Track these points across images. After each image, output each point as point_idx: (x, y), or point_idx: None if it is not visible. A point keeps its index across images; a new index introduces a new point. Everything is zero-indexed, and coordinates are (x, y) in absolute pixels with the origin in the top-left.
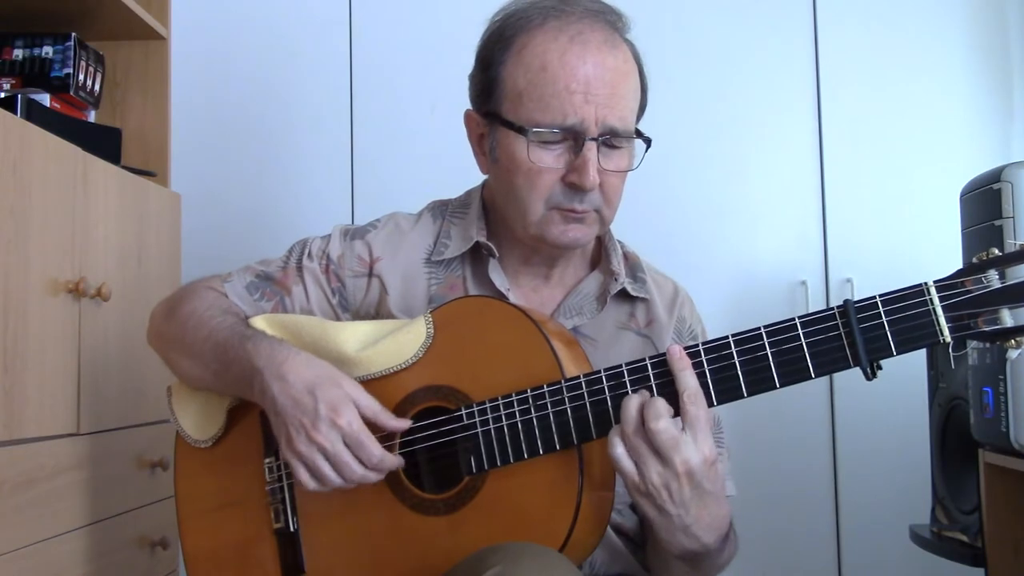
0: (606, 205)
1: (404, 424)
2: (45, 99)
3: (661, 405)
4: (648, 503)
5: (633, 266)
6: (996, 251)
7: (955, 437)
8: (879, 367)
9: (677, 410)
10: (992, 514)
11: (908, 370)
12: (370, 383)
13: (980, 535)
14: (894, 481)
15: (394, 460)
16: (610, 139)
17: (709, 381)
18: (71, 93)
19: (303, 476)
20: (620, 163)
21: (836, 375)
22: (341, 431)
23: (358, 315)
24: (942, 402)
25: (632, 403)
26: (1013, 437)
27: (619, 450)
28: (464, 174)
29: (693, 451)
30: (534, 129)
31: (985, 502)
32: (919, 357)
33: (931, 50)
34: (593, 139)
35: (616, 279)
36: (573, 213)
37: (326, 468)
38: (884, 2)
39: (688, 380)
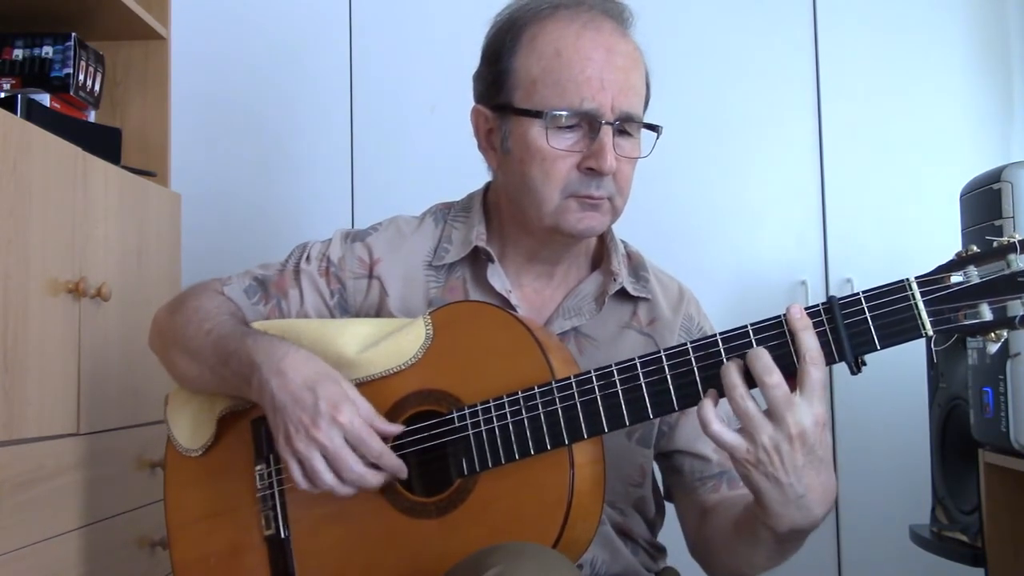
0: (618, 194)
1: (396, 428)
2: (45, 99)
3: (769, 359)
4: (758, 472)
5: (636, 265)
6: (975, 248)
7: (955, 437)
8: (863, 362)
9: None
10: (992, 514)
11: (908, 370)
12: (367, 385)
13: (980, 535)
14: (894, 481)
15: (395, 459)
16: (623, 125)
17: (698, 379)
18: (71, 93)
19: (296, 474)
20: (632, 151)
21: (835, 375)
22: (342, 428)
23: (358, 317)
24: (942, 402)
25: (731, 369)
26: (1013, 437)
27: (715, 426)
28: (464, 174)
29: (806, 412)
30: (552, 113)
31: (985, 502)
32: (919, 357)
33: (931, 50)
34: (609, 123)
35: (615, 279)
36: (590, 199)
37: (321, 467)
38: (884, 2)
39: (809, 341)
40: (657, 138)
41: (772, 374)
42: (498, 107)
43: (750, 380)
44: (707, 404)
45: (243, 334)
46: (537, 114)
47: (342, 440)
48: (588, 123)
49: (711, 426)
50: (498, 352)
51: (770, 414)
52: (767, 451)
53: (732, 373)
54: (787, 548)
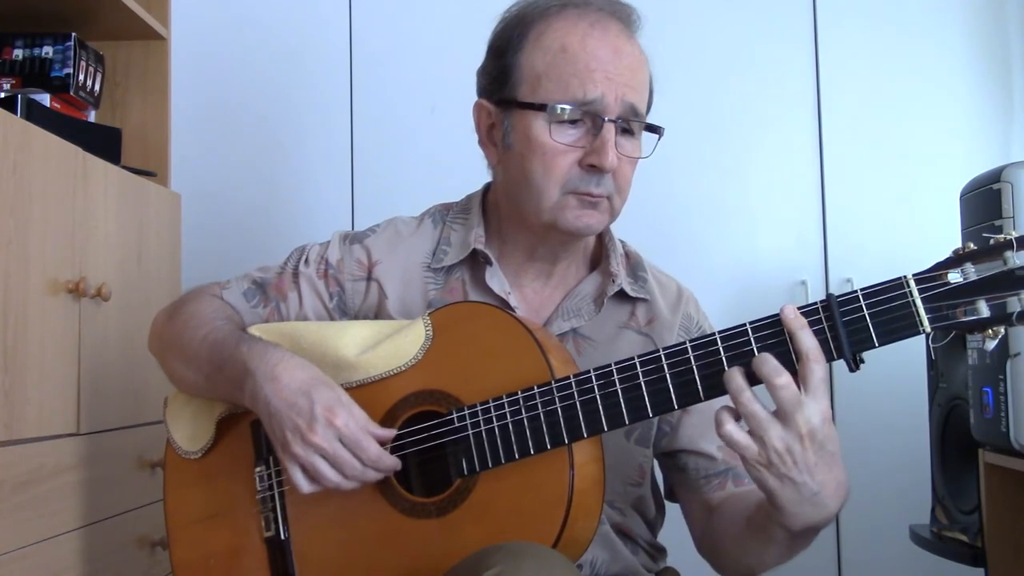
0: (617, 193)
1: (390, 433)
2: (45, 99)
3: (775, 362)
4: (771, 474)
5: (634, 265)
6: (972, 245)
7: (955, 437)
8: (862, 360)
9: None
10: (992, 514)
11: (908, 370)
12: (368, 387)
13: (980, 535)
14: (894, 481)
15: (391, 459)
16: (626, 123)
17: (697, 378)
18: (71, 93)
19: (298, 478)
20: (633, 151)
21: (835, 375)
22: (338, 431)
23: (357, 319)
24: (942, 402)
25: (735, 374)
26: (1013, 437)
27: (728, 427)
28: (464, 174)
29: (814, 410)
30: (555, 107)
31: (985, 502)
32: (919, 357)
33: (931, 50)
34: (612, 120)
35: (614, 280)
36: (589, 197)
37: (324, 467)
38: (884, 2)
39: (808, 340)
40: (659, 139)
41: (781, 375)
42: (501, 102)
43: (752, 379)
44: (726, 406)
45: (238, 340)
46: (541, 107)
47: (339, 442)
48: (591, 119)
49: (724, 426)
50: (498, 352)
51: (779, 414)
52: (778, 452)
53: (737, 377)
54: (799, 545)
